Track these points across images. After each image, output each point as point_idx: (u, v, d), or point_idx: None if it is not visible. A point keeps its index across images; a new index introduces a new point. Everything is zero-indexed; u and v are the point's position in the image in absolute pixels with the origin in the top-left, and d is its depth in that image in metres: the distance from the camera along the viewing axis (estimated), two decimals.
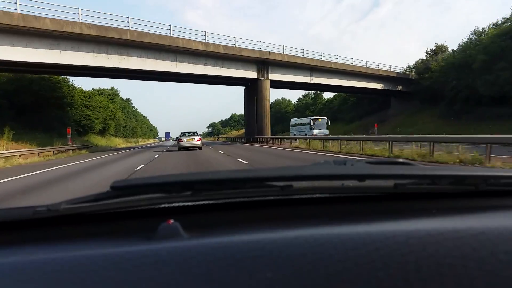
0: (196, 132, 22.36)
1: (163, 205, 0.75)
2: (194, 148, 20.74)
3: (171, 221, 0.63)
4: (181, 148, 20.55)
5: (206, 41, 27.09)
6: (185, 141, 20.81)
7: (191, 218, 0.73)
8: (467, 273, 0.48)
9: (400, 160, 0.91)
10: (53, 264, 0.53)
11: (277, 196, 0.80)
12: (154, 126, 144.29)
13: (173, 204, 0.76)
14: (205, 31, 26.93)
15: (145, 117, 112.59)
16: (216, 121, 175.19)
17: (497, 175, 0.86)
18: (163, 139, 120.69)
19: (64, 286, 0.49)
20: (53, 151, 20.53)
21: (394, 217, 0.71)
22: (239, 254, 0.52)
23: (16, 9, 18.87)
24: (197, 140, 20.87)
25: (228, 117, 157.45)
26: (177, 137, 25.21)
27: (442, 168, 0.80)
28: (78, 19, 21.12)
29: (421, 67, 42.84)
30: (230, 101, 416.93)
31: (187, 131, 22.95)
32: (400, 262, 0.50)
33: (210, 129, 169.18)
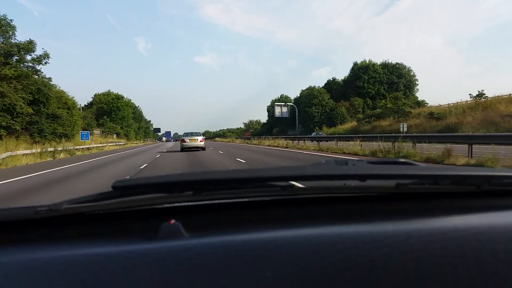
0: (200, 133, 22.62)
1: (164, 205, 0.75)
2: (197, 148, 20.77)
3: (173, 221, 0.63)
4: (183, 149, 20.67)
5: None
6: (188, 142, 21.02)
7: (192, 218, 0.73)
8: (467, 273, 0.48)
9: (402, 160, 0.90)
10: (54, 263, 0.53)
11: (278, 196, 0.80)
12: (145, 119, 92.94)
13: (175, 204, 0.76)
14: None
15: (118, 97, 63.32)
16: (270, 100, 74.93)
17: (499, 175, 0.86)
18: (163, 139, 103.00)
19: (66, 286, 0.49)
20: None
21: (395, 217, 0.71)
22: (240, 254, 0.53)
23: None
24: (200, 141, 21.09)
25: (304, 88, 61.50)
26: (176, 138, 25.14)
27: (444, 168, 0.80)
28: None
29: None
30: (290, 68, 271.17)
31: (191, 131, 23.13)
32: (400, 261, 0.50)
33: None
